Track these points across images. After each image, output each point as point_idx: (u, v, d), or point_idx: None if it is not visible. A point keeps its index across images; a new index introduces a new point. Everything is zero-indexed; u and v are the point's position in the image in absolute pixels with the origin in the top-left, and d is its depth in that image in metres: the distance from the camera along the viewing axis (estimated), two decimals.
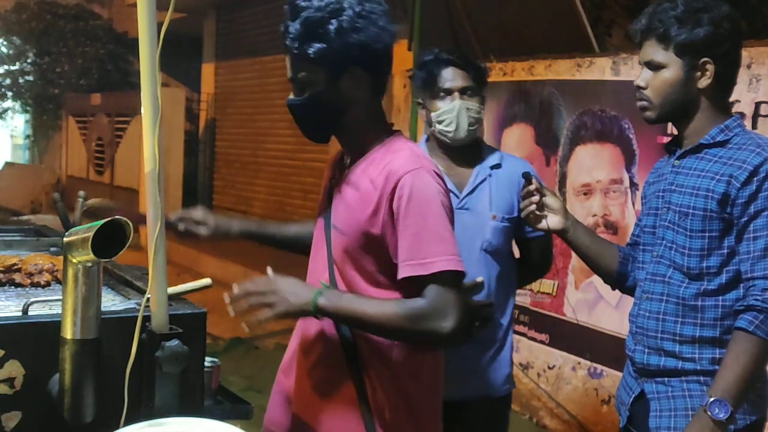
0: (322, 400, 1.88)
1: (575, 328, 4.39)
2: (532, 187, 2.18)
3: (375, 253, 1.81)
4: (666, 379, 2.00)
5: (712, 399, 1.83)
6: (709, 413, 1.82)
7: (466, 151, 2.52)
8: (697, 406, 1.91)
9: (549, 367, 4.54)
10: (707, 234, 1.94)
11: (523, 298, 4.62)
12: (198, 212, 2.17)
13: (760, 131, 3.47)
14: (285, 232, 2.27)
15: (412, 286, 1.77)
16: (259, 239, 2.26)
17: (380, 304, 1.77)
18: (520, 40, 5.06)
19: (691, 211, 1.95)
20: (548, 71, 4.62)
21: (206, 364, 1.86)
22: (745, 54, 3.57)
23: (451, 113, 2.42)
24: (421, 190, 1.75)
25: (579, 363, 4.44)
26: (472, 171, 2.51)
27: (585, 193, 4.35)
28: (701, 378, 1.95)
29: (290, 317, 1.78)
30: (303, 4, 1.77)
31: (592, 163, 4.38)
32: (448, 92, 2.44)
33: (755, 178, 1.88)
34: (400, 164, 1.78)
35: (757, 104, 3.55)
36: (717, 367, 1.91)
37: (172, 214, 2.11)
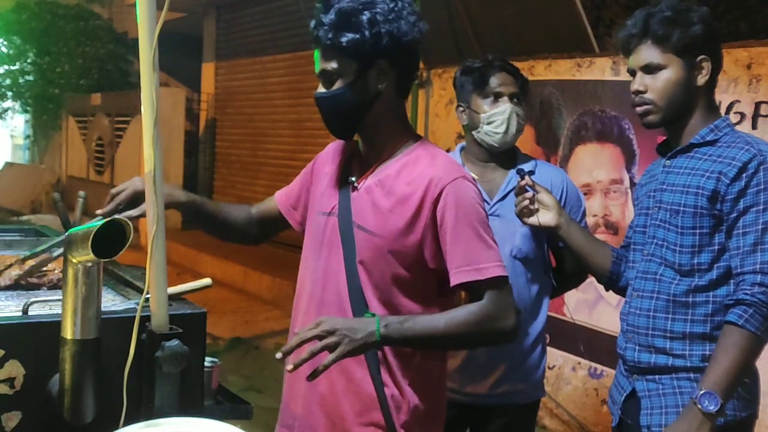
0: (339, 397, 1.87)
1: (575, 328, 4.39)
2: (523, 183, 2.26)
3: (409, 256, 1.84)
4: (657, 376, 2.02)
5: (702, 391, 1.84)
6: (698, 405, 1.84)
7: (502, 158, 2.55)
8: (687, 402, 1.92)
9: (549, 368, 4.54)
10: (698, 231, 1.96)
11: None
12: (134, 184, 2.03)
13: (760, 131, 3.48)
14: (221, 212, 2.16)
15: (455, 292, 1.87)
16: (197, 216, 2.13)
17: (446, 316, 1.79)
18: (520, 40, 5.06)
19: (681, 208, 1.98)
20: (548, 71, 4.62)
21: (206, 364, 1.85)
22: (745, 54, 3.60)
23: (503, 115, 2.46)
24: (468, 199, 1.81)
25: (579, 363, 4.44)
26: (505, 178, 2.52)
27: (585, 194, 4.35)
28: (692, 375, 1.97)
29: (354, 354, 1.73)
30: None
31: (592, 163, 4.38)
32: (499, 95, 2.48)
33: (744, 174, 1.90)
34: (443, 172, 1.82)
35: (757, 104, 3.55)
36: (707, 363, 1.92)
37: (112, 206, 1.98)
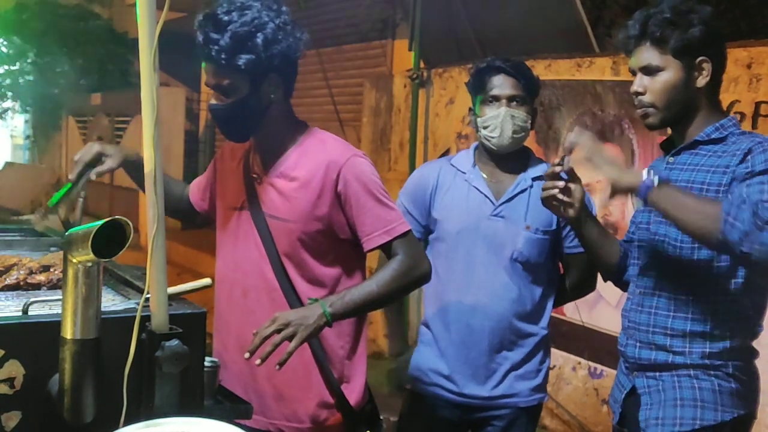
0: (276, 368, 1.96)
1: (575, 328, 4.39)
2: (558, 169, 2.08)
3: (320, 233, 2.05)
4: (657, 373, 2.02)
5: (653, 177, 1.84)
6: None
7: (513, 160, 2.53)
8: (686, 396, 1.93)
9: (549, 368, 4.54)
10: None
11: None
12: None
13: (760, 131, 3.48)
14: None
15: (364, 255, 2.11)
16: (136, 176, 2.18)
17: (376, 280, 2.02)
18: (520, 40, 5.06)
19: None
20: (548, 71, 4.62)
21: (206, 364, 1.85)
22: (745, 54, 3.60)
23: (496, 119, 2.45)
24: (364, 173, 2.04)
25: (579, 363, 4.44)
26: (513, 181, 2.51)
27: None
28: (692, 372, 1.97)
29: (312, 337, 1.96)
30: (226, 18, 1.93)
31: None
32: (496, 99, 2.48)
33: (749, 156, 1.89)
34: (337, 154, 2.05)
35: (757, 104, 3.56)
36: (707, 361, 1.93)
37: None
